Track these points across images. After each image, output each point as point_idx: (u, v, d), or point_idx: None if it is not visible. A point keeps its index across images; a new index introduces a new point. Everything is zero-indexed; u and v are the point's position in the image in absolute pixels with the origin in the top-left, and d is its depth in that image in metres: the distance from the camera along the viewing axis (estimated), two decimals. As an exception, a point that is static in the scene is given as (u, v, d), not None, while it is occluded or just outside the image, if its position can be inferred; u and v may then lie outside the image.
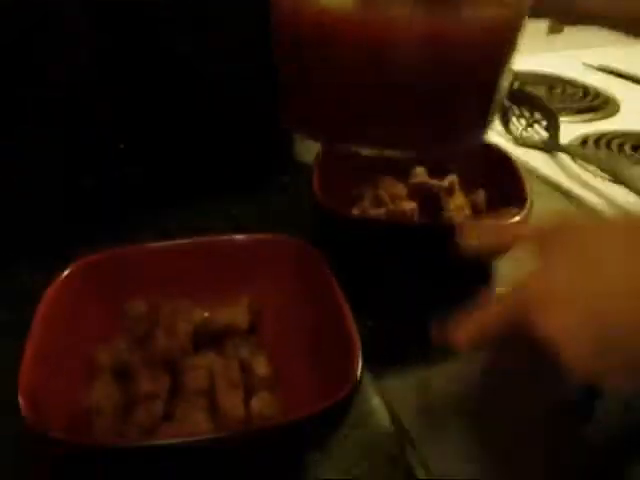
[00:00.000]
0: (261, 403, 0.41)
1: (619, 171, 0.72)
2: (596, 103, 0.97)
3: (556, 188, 0.73)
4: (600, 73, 1.11)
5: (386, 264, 0.53)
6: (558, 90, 1.02)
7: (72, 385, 0.41)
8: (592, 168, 0.75)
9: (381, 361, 0.47)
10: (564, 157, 0.79)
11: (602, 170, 0.74)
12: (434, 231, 0.53)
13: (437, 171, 0.61)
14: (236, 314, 0.47)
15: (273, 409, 0.41)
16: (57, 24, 0.54)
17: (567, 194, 0.71)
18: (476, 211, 0.59)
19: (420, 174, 0.61)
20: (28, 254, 0.56)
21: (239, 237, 0.50)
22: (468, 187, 0.61)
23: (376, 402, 0.44)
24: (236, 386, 0.42)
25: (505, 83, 0.42)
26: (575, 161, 0.78)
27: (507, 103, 0.85)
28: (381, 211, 0.56)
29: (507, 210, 0.54)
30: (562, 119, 0.85)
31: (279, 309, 0.48)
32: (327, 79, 0.39)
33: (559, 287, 0.35)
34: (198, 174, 0.64)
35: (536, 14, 0.42)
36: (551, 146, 0.81)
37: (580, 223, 0.38)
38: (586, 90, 1.02)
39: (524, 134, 0.83)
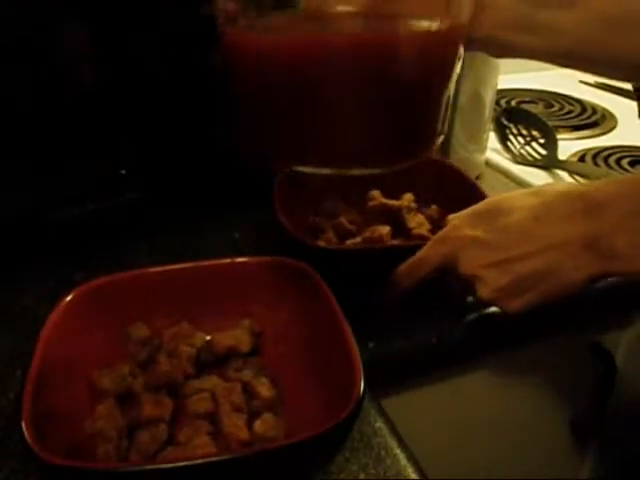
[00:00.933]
0: (264, 425, 0.41)
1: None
2: (593, 119, 0.98)
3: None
4: (597, 90, 1.12)
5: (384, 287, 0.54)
6: (555, 107, 1.03)
7: (75, 410, 0.41)
8: (590, 184, 0.76)
9: (384, 382, 0.47)
10: (562, 173, 0.79)
11: (600, 186, 0.74)
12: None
13: (390, 192, 0.62)
14: (238, 337, 0.47)
15: (276, 431, 0.41)
16: (56, 53, 0.55)
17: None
18: (435, 226, 0.60)
19: (377, 196, 0.62)
20: (29, 279, 0.57)
21: (239, 260, 0.50)
22: (421, 204, 0.63)
23: (379, 424, 0.44)
24: (239, 409, 0.42)
25: (449, 96, 0.43)
26: (573, 177, 0.78)
27: (505, 121, 0.86)
28: (357, 240, 0.57)
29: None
30: (560, 136, 0.85)
31: (280, 331, 0.48)
32: (275, 107, 0.40)
33: (480, 237, 0.47)
34: (197, 195, 0.64)
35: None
36: (549, 163, 0.81)
37: (499, 198, 0.49)
38: (583, 107, 1.02)
39: (522, 151, 0.84)
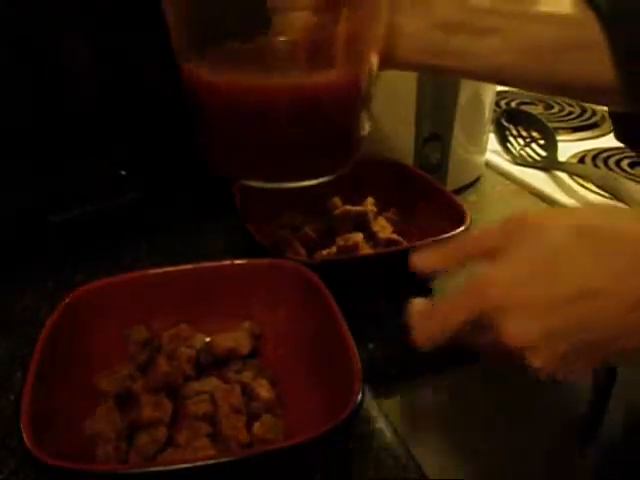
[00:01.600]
0: (264, 427, 0.41)
1: (617, 188, 0.72)
2: (593, 121, 0.98)
3: (554, 206, 0.73)
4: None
5: (376, 290, 0.55)
6: (555, 109, 1.03)
7: (74, 411, 0.41)
8: (590, 185, 0.76)
9: (384, 383, 0.47)
10: (562, 175, 0.79)
11: (600, 187, 0.74)
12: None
13: (350, 198, 0.64)
14: (237, 339, 0.47)
15: (276, 433, 0.41)
16: (56, 54, 0.55)
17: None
18: (397, 229, 0.61)
19: (339, 204, 0.62)
20: (29, 279, 0.57)
21: (238, 262, 0.50)
22: (379, 207, 0.63)
23: (379, 424, 0.44)
24: (238, 411, 0.42)
25: (365, 123, 0.50)
26: (573, 178, 0.78)
27: (505, 122, 0.86)
28: (332, 249, 0.57)
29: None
30: (559, 137, 0.85)
31: (279, 333, 0.48)
32: (219, 131, 0.48)
33: (517, 291, 0.35)
34: (197, 196, 0.64)
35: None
36: (549, 164, 0.81)
37: (531, 219, 0.37)
38: (583, 108, 1.02)
39: (522, 153, 0.84)
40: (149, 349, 0.46)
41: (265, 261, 0.50)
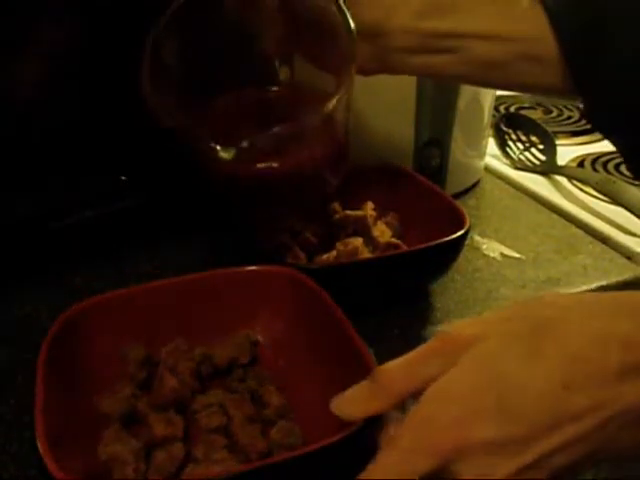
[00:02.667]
0: (281, 433, 0.41)
1: (616, 192, 0.72)
2: (592, 125, 0.98)
3: (554, 210, 0.73)
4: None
5: (376, 294, 0.55)
6: (554, 113, 1.03)
7: (81, 436, 0.40)
8: (589, 189, 0.76)
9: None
10: (561, 179, 0.79)
11: (599, 191, 0.74)
12: (417, 253, 0.55)
13: (349, 203, 0.64)
14: (237, 348, 0.47)
15: (294, 437, 0.41)
16: (57, 58, 0.55)
17: (565, 216, 0.72)
18: (396, 233, 0.61)
19: (339, 208, 0.63)
20: (30, 285, 0.57)
21: (234, 270, 0.49)
22: (378, 212, 0.63)
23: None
24: (252, 419, 0.42)
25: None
26: (572, 183, 0.78)
27: (504, 127, 0.86)
28: (332, 253, 0.57)
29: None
30: (559, 142, 0.85)
31: (279, 338, 0.48)
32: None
33: (494, 438, 0.30)
34: (198, 202, 0.64)
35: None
36: (548, 168, 0.81)
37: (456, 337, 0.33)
38: (582, 112, 1.02)
39: (521, 157, 0.84)
40: (148, 366, 0.45)
41: (261, 268, 0.49)
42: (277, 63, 0.52)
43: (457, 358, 0.32)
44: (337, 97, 0.45)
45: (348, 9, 0.46)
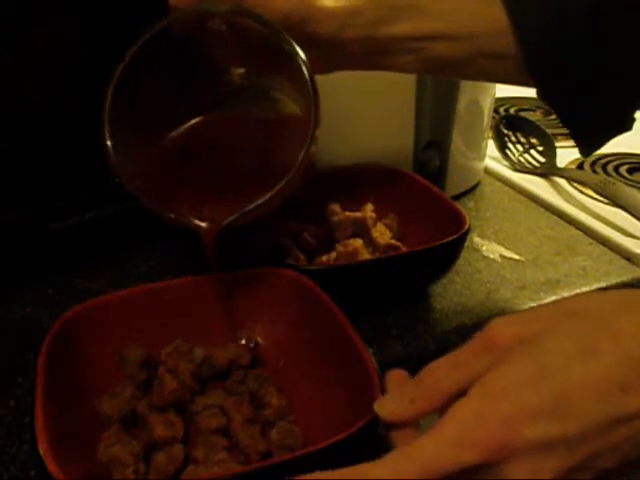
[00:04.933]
0: (281, 434, 0.41)
1: (615, 193, 0.72)
2: (591, 127, 0.98)
3: (553, 212, 0.73)
4: (595, 97, 1.12)
5: (376, 296, 0.55)
6: (554, 115, 1.03)
7: (82, 438, 0.40)
8: (589, 191, 0.76)
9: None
10: (561, 181, 0.80)
11: (598, 193, 0.74)
12: (417, 254, 0.55)
13: (349, 204, 0.63)
14: (237, 350, 0.47)
15: (295, 438, 0.41)
16: (57, 61, 0.55)
17: (564, 217, 0.72)
18: (396, 235, 0.61)
19: (338, 210, 0.63)
20: (29, 286, 0.57)
21: (234, 272, 0.49)
22: (378, 213, 0.63)
23: (380, 429, 0.44)
24: (252, 420, 0.42)
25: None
26: (572, 184, 0.78)
27: (503, 129, 0.86)
28: (332, 255, 0.57)
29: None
30: (558, 144, 0.85)
31: (280, 341, 0.48)
32: None
33: (544, 438, 0.29)
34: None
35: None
36: (548, 170, 0.81)
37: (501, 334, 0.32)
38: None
39: (521, 159, 0.84)
40: (147, 367, 0.45)
41: (260, 270, 0.49)
42: (235, 86, 0.51)
43: (506, 355, 0.31)
44: (305, 149, 0.44)
45: (303, 24, 0.45)
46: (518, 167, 0.83)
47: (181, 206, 0.47)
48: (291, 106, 0.49)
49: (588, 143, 0.52)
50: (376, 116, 0.67)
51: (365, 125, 0.68)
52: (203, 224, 0.46)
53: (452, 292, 0.58)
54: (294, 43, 0.44)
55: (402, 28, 0.47)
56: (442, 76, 0.55)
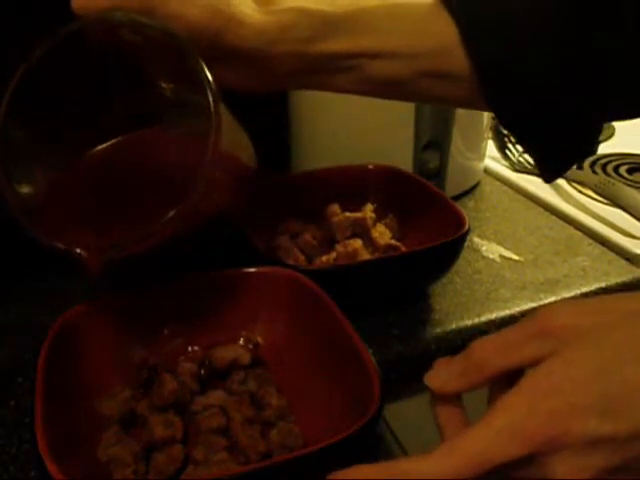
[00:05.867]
0: (281, 434, 0.41)
1: (615, 194, 0.72)
2: (591, 127, 0.98)
3: (553, 212, 0.73)
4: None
5: (376, 296, 0.55)
6: (553, 115, 1.03)
7: (81, 438, 0.40)
8: (588, 191, 0.76)
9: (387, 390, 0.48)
10: (560, 181, 0.79)
11: (598, 193, 0.74)
12: (417, 254, 0.55)
13: (349, 205, 0.63)
14: (237, 350, 0.47)
15: (295, 439, 0.41)
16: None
17: (564, 218, 0.72)
18: (396, 235, 0.61)
19: (338, 210, 0.62)
20: (28, 286, 0.57)
21: (234, 272, 0.49)
22: (378, 213, 0.63)
23: (380, 429, 0.44)
24: (252, 421, 0.42)
25: None
26: (571, 185, 0.78)
27: (503, 129, 0.86)
28: (332, 255, 0.58)
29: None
30: (558, 144, 0.85)
31: (280, 341, 0.48)
32: None
33: (596, 432, 0.29)
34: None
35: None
36: (547, 171, 0.81)
37: (576, 322, 0.32)
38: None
39: (521, 159, 0.84)
40: (147, 368, 0.45)
41: (260, 269, 0.49)
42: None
43: (557, 345, 0.31)
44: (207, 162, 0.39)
45: (219, 36, 0.41)
46: (518, 167, 0.83)
47: (78, 236, 0.42)
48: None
49: (552, 169, 0.49)
50: (376, 116, 0.67)
51: (365, 125, 0.68)
52: (84, 253, 0.41)
53: (452, 292, 0.59)
54: (200, 59, 0.39)
55: (337, 45, 0.44)
56: (389, 97, 0.50)
